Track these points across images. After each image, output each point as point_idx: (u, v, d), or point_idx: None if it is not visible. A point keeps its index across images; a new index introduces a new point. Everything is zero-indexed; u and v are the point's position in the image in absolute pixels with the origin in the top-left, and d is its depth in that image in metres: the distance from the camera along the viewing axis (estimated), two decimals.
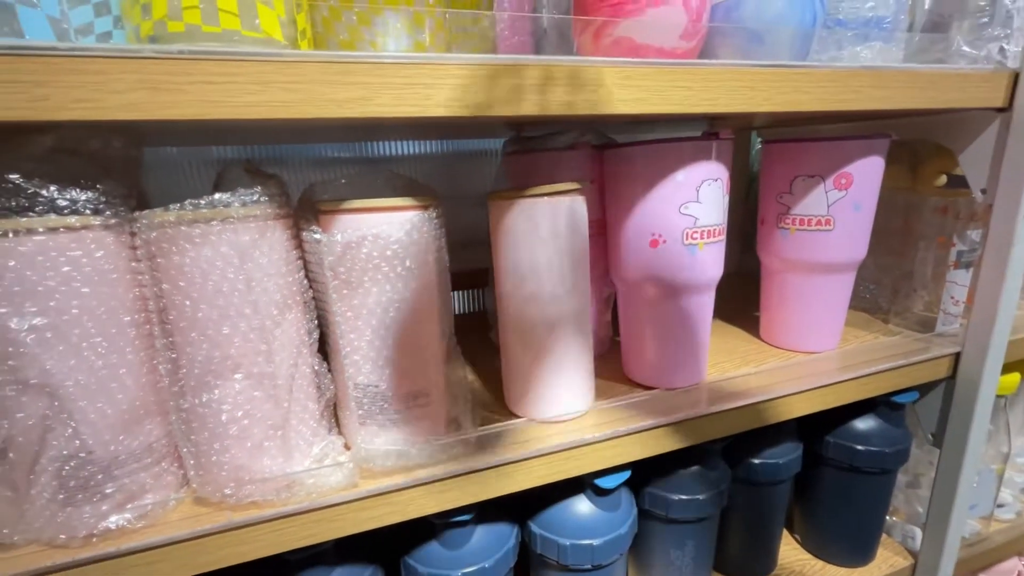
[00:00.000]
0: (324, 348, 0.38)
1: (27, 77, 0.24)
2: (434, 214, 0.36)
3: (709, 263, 0.43)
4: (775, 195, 0.52)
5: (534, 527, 0.45)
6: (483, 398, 0.48)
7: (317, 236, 0.34)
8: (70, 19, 0.27)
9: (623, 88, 0.34)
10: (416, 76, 0.29)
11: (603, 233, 0.49)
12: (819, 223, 0.49)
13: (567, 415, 0.42)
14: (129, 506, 0.32)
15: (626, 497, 0.47)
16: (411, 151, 0.71)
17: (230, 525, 0.32)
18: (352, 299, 0.34)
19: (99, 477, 0.30)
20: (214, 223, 0.30)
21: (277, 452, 0.34)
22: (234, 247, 0.31)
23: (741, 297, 0.71)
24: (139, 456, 0.32)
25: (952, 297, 0.55)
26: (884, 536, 0.64)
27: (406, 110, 0.29)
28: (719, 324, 0.64)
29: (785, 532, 0.65)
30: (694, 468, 0.49)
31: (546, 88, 0.32)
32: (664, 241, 0.42)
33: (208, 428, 0.32)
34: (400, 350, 0.36)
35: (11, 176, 0.27)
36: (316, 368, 0.37)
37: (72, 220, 0.28)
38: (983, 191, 0.50)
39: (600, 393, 0.46)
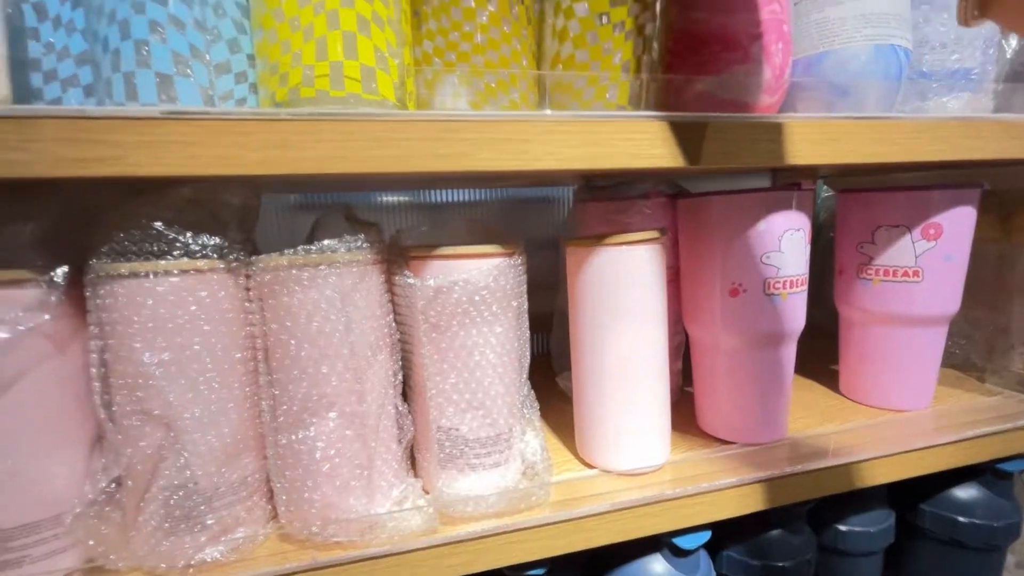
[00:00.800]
0: (405, 390, 0.39)
1: (181, 138, 0.27)
2: (518, 260, 0.37)
3: (793, 313, 0.42)
4: (855, 245, 0.50)
5: None
6: (553, 444, 0.47)
7: (410, 280, 0.35)
8: (216, 87, 0.30)
9: (712, 142, 0.34)
10: (513, 132, 0.31)
11: (675, 280, 0.48)
12: (906, 274, 0.47)
13: (644, 468, 0.41)
14: (223, 539, 0.32)
15: (704, 560, 0.44)
16: (473, 197, 0.74)
17: (314, 565, 0.33)
18: (440, 342, 0.36)
19: (201, 508, 0.31)
20: (322, 267, 0.32)
21: (362, 492, 0.34)
22: (337, 290, 0.32)
23: (808, 348, 0.68)
24: (236, 489, 0.33)
25: None
26: None
27: (505, 164, 0.31)
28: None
29: None
30: (776, 532, 0.46)
31: (635, 142, 0.33)
32: (745, 290, 0.42)
33: (302, 464, 0.33)
34: (482, 394, 0.36)
35: (155, 224, 0.29)
36: (399, 409, 0.38)
37: (201, 264, 0.30)
38: None
39: (674, 445, 0.45)
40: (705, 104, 0.38)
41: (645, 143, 0.34)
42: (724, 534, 0.47)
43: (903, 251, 0.47)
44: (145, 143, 0.26)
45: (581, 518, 0.37)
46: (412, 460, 0.40)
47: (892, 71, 0.39)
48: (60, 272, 0.30)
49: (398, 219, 0.71)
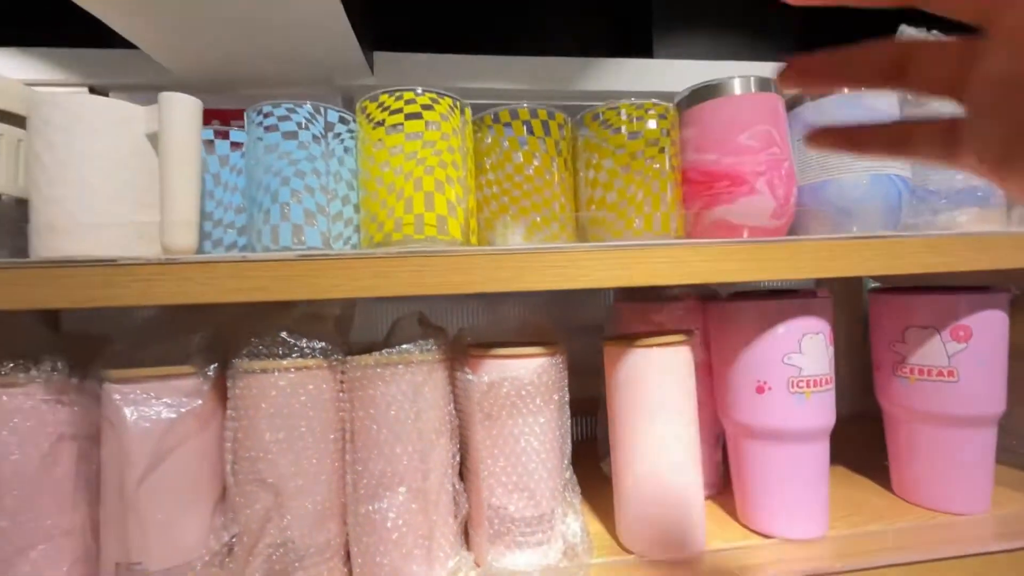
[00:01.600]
0: (462, 471, 0.45)
1: (307, 272, 0.37)
2: (560, 359, 0.44)
3: (818, 411, 0.45)
4: (888, 343, 0.53)
5: None
6: (595, 528, 0.50)
7: (469, 377, 0.43)
8: (331, 231, 0.41)
9: (720, 262, 0.41)
10: (554, 260, 0.39)
11: (710, 375, 0.53)
12: (940, 374, 0.49)
13: (678, 557, 0.44)
14: None
15: None
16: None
17: None
18: (492, 429, 0.42)
19: (295, 564, 0.38)
20: (400, 366, 0.40)
21: (423, 560, 0.40)
22: (411, 385, 0.40)
23: (863, 444, 0.67)
24: (322, 550, 0.40)
25: None
26: None
27: (547, 285, 0.39)
28: (845, 473, 0.61)
29: None
30: None
31: (654, 264, 0.40)
32: (770, 388, 0.46)
33: (376, 532, 0.39)
34: (527, 477, 0.42)
35: (281, 333, 0.39)
36: (456, 488, 0.44)
37: (311, 363, 0.39)
38: None
39: (712, 536, 0.47)
40: (720, 229, 0.44)
41: (663, 265, 0.40)
42: None
43: (935, 351, 0.49)
44: (283, 277, 0.37)
45: None
46: (466, 535, 0.45)
47: (891, 195, 0.44)
48: (212, 368, 0.40)
49: (464, 310, 0.80)
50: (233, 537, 0.39)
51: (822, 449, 0.47)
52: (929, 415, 0.50)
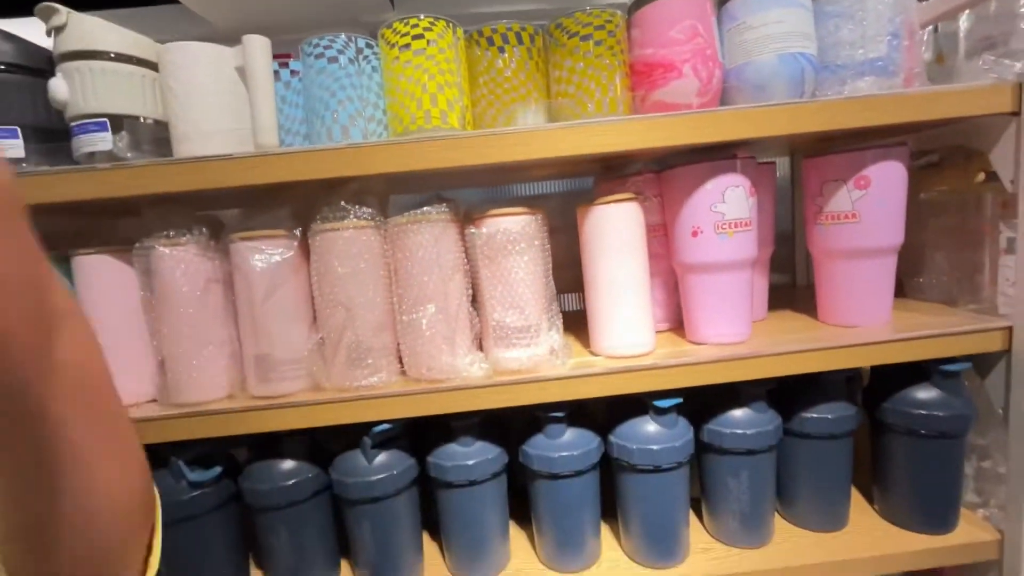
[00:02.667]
0: (474, 298, 0.63)
1: (352, 158, 0.54)
2: (539, 218, 0.60)
3: (739, 247, 0.60)
4: (811, 198, 0.65)
5: (612, 438, 0.63)
6: (577, 349, 0.68)
7: (474, 231, 0.60)
8: (368, 129, 0.57)
9: (657, 130, 0.54)
10: (525, 137, 0.54)
11: (666, 233, 0.67)
12: (846, 217, 0.62)
13: (630, 353, 0.61)
14: (376, 375, 0.59)
15: (682, 422, 0.62)
16: (530, 192, 0.97)
17: (421, 390, 0.58)
18: (491, 266, 0.59)
19: (365, 357, 0.58)
20: (424, 223, 0.57)
21: (448, 353, 0.59)
22: (432, 235, 0.58)
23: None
24: (381, 347, 0.59)
25: (1007, 279, 0.61)
26: (972, 513, 0.67)
27: (521, 155, 0.54)
28: (789, 314, 0.76)
29: (865, 504, 0.71)
30: (743, 409, 0.63)
31: (604, 135, 0.54)
32: (702, 232, 0.60)
33: (415, 334, 0.59)
34: (519, 297, 0.59)
35: (342, 202, 0.57)
36: (470, 310, 0.62)
37: (363, 223, 0.57)
38: (1012, 182, 0.58)
39: (663, 345, 0.64)
40: (658, 108, 0.58)
41: (611, 136, 0.55)
42: (704, 414, 0.64)
43: (842, 199, 0.62)
44: (339, 161, 0.54)
45: (584, 375, 0.58)
46: (479, 345, 0.64)
47: (796, 71, 0.56)
48: (298, 232, 0.59)
49: (470, 194, 0.96)
50: (322, 339, 0.59)
51: (745, 275, 0.61)
52: (840, 251, 0.64)
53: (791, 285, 1.01)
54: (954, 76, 0.69)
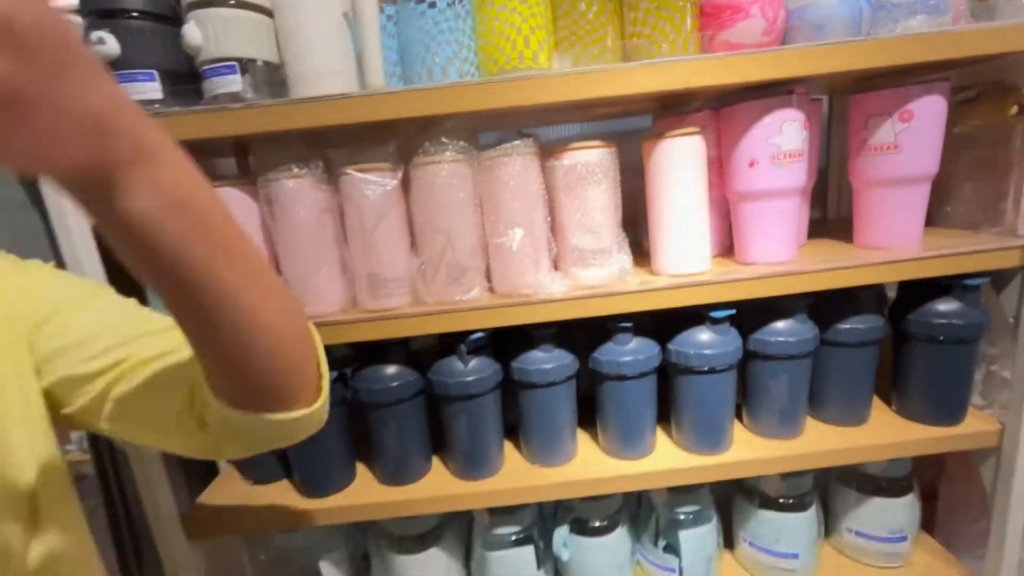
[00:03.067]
0: (553, 224, 0.71)
1: (451, 97, 0.60)
2: (613, 151, 0.67)
3: (792, 176, 0.67)
4: (856, 132, 0.72)
5: (672, 345, 0.73)
6: (640, 271, 0.77)
7: (554, 162, 0.67)
8: (463, 70, 0.63)
9: (726, 68, 0.60)
10: (603, 76, 0.60)
11: (721, 167, 0.74)
12: (888, 148, 0.68)
13: (688, 271, 0.69)
14: (471, 292, 0.68)
15: (733, 331, 0.72)
16: (596, 131, 1.03)
17: (510, 303, 0.67)
18: (570, 195, 0.67)
19: (461, 276, 0.67)
20: (514, 155, 0.65)
21: (532, 273, 0.68)
22: (519, 166, 0.65)
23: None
24: (475, 268, 0.68)
25: None
26: (978, 412, 0.77)
27: (602, 93, 0.60)
28: (826, 241, 0.83)
29: (884, 406, 0.82)
30: (785, 320, 0.72)
31: (672, 73, 0.61)
32: (758, 163, 0.67)
33: (504, 256, 0.67)
34: (594, 223, 0.67)
35: (441, 138, 0.64)
36: (549, 235, 0.70)
37: (459, 156, 0.65)
38: None
39: (717, 267, 0.73)
40: (726, 48, 0.63)
41: (684, 73, 0.61)
42: (752, 325, 0.73)
43: (886, 132, 0.68)
44: (439, 98, 0.60)
45: (651, 290, 0.67)
46: (555, 266, 0.73)
47: (854, 10, 0.61)
48: (401, 164, 0.66)
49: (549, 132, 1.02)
50: (423, 263, 0.68)
51: (795, 202, 0.69)
52: (879, 180, 0.71)
53: (823, 219, 1.08)
54: (995, 14, 0.74)
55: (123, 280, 0.45)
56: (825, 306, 0.74)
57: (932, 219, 0.85)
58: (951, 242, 0.71)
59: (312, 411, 0.43)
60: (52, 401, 0.43)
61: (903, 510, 0.81)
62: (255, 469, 0.80)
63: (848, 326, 0.73)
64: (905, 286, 0.77)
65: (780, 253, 0.70)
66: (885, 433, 0.76)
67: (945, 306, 0.71)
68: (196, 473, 0.82)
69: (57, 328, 0.43)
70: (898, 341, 0.77)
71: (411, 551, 0.80)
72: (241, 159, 0.92)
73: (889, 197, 0.71)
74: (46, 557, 0.40)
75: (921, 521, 0.85)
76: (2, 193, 0.71)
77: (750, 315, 0.73)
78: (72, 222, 0.62)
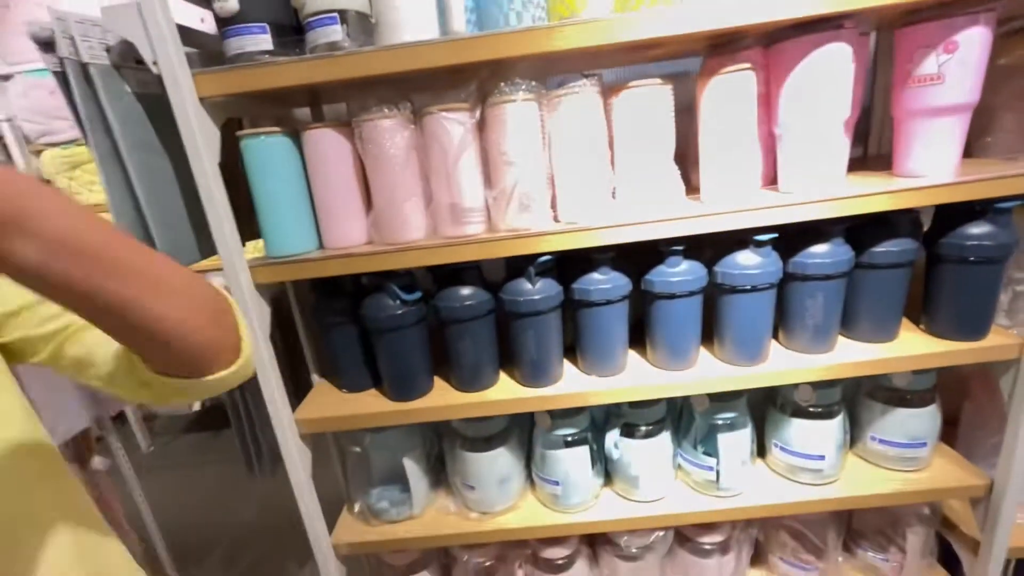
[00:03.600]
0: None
1: (525, 39, 0.67)
2: (669, 88, 0.73)
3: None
4: (902, 64, 0.76)
5: (718, 268, 0.81)
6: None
7: (614, 99, 0.74)
8: (535, 15, 0.70)
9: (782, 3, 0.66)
10: (652, 16, 0.66)
11: (768, 102, 0.79)
12: (931, 79, 0.73)
13: (741, 200, 0.76)
14: (537, 221, 0.77)
15: (774, 253, 0.79)
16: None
17: (573, 228, 0.75)
18: (629, 131, 0.74)
19: (530, 205, 0.76)
20: (576, 94, 0.72)
21: (596, 202, 0.76)
22: (582, 105, 0.72)
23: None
24: (542, 199, 0.77)
25: None
26: (1001, 329, 0.84)
27: (661, 32, 0.66)
28: (867, 172, 0.89)
29: (913, 326, 0.89)
30: (822, 244, 0.79)
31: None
32: None
33: (569, 187, 0.75)
34: (652, 158, 0.75)
35: (515, 79, 0.71)
36: (610, 168, 0.78)
37: (529, 95, 0.72)
38: None
39: (762, 196, 0.79)
40: None
41: (733, 10, 0.66)
42: (791, 246, 0.81)
43: (930, 63, 0.72)
44: (513, 42, 0.67)
45: (703, 215, 0.74)
46: (615, 195, 0.81)
47: None
48: (477, 109, 0.74)
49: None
50: (496, 193, 0.77)
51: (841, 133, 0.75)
52: (921, 110, 0.75)
53: (864, 156, 1.12)
54: None
55: None
56: (862, 231, 0.81)
57: (972, 150, 0.89)
58: (985, 168, 0.76)
59: (234, 370, 0.49)
60: (9, 353, 0.51)
61: (924, 419, 0.89)
62: (348, 381, 0.93)
63: (882, 249, 0.80)
64: (941, 213, 0.83)
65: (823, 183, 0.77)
66: (911, 348, 0.83)
67: (976, 229, 0.77)
68: (300, 385, 0.96)
69: (10, 293, 0.51)
70: (930, 264, 0.84)
71: (480, 450, 0.92)
72: (315, 107, 1.01)
73: (929, 126, 0.76)
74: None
75: (943, 437, 0.93)
76: None
77: (791, 240, 0.80)
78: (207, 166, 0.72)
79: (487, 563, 1.03)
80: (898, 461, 0.93)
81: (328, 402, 0.92)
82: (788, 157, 0.78)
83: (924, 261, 0.84)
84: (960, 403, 0.98)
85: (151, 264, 0.41)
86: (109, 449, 1.77)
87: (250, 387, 0.88)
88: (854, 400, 0.97)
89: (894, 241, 0.80)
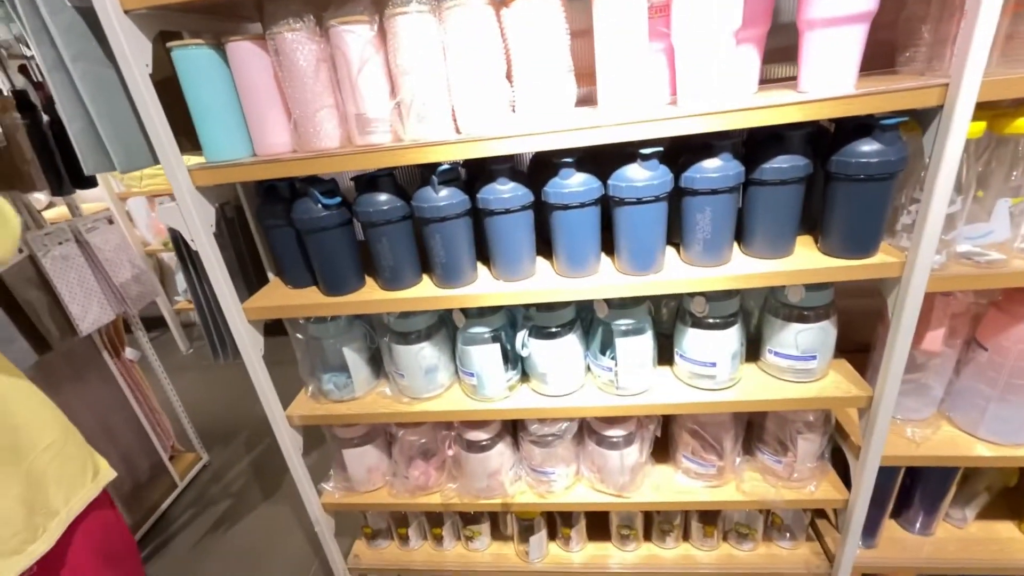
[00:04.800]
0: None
1: None
2: None
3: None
4: None
5: (610, 181, 0.85)
6: None
7: (505, 10, 0.76)
8: None
9: None
10: None
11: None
12: None
13: (629, 112, 0.79)
14: (436, 131, 0.83)
15: (662, 167, 0.83)
16: None
17: (467, 139, 0.81)
18: (523, 40, 0.77)
19: (427, 114, 0.81)
20: (468, 5, 0.75)
21: (492, 112, 0.81)
22: (477, 15, 0.76)
23: None
24: (442, 108, 0.82)
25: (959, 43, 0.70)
26: (890, 247, 0.86)
27: None
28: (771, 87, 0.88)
29: (812, 244, 0.92)
30: (710, 159, 0.82)
31: None
32: None
33: (467, 97, 0.80)
34: (546, 66, 0.78)
35: None
36: (505, 79, 0.81)
37: (423, 7, 0.76)
38: None
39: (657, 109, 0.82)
40: None
41: None
42: (689, 162, 0.84)
43: None
44: None
45: (593, 127, 0.78)
46: (513, 107, 0.85)
47: None
48: (375, 21, 0.78)
49: None
50: (396, 104, 0.82)
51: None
52: (819, 20, 0.74)
53: None
54: None
55: None
56: (757, 147, 0.82)
57: (895, 64, 0.87)
58: (877, 83, 0.75)
59: None
60: None
61: (815, 334, 0.94)
62: (291, 278, 1.06)
63: (773, 165, 0.82)
64: (838, 130, 0.83)
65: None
66: (799, 263, 0.87)
67: (865, 146, 0.78)
68: (253, 281, 1.10)
69: None
70: (826, 182, 0.85)
71: (407, 343, 1.05)
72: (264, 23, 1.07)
73: (826, 38, 0.75)
74: None
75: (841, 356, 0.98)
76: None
77: (691, 155, 0.83)
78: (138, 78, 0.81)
79: (421, 440, 1.19)
80: (790, 372, 0.99)
81: (274, 295, 1.05)
82: (681, 68, 0.79)
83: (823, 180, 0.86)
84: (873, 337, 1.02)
85: None
86: (138, 343, 2.03)
87: (209, 282, 1.02)
88: (761, 319, 1.03)
89: (785, 157, 0.81)
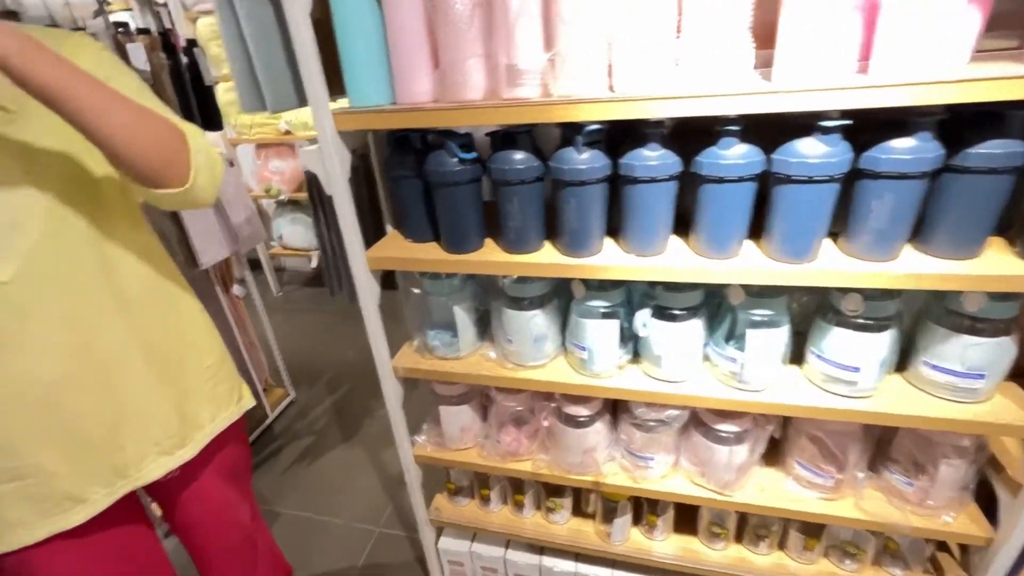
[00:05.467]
0: None
1: None
2: None
3: None
4: None
5: (774, 155, 0.77)
6: None
7: None
8: None
9: None
10: None
11: None
12: None
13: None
14: (591, 88, 0.77)
15: (843, 143, 0.73)
16: None
17: (625, 98, 0.75)
18: None
19: (582, 68, 0.76)
20: None
21: (653, 72, 0.75)
22: None
23: None
24: (599, 62, 0.76)
25: None
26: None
27: None
28: None
29: (1004, 246, 0.79)
30: (904, 138, 0.71)
31: None
32: None
33: (627, 55, 0.74)
34: (720, 27, 0.70)
35: None
36: (673, 38, 0.74)
37: None
38: None
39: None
40: None
41: None
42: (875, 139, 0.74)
43: None
44: None
45: (767, 92, 0.70)
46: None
47: None
48: None
49: None
50: (551, 56, 0.77)
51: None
52: None
53: None
54: None
55: None
56: (964, 127, 0.71)
57: None
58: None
59: (183, 190, 0.69)
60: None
61: (989, 350, 0.82)
62: (412, 231, 1.06)
63: (982, 150, 0.70)
64: None
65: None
66: (990, 268, 0.75)
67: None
68: (371, 231, 1.11)
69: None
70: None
71: (520, 308, 1.02)
72: None
73: None
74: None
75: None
76: None
77: (879, 132, 0.73)
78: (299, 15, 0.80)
79: (518, 407, 1.18)
80: (948, 389, 0.87)
81: (395, 246, 1.06)
82: (883, 32, 0.69)
83: None
84: None
85: (111, 100, 0.61)
86: (245, 281, 2.17)
87: (336, 225, 1.04)
88: (920, 324, 0.91)
89: (1000, 142, 0.69)
